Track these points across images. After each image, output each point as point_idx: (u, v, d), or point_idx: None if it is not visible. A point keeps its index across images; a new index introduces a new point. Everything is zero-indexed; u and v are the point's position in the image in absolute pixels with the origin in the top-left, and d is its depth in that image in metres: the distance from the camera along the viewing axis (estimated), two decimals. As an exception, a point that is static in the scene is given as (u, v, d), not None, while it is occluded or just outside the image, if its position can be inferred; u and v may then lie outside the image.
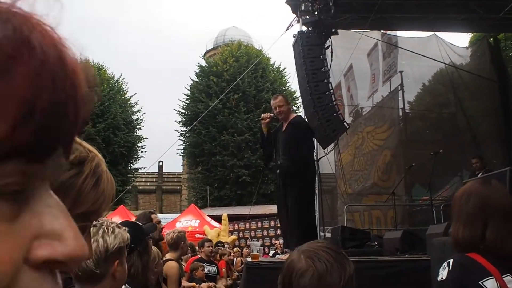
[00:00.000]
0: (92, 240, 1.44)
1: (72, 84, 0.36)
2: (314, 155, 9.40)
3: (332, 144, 9.40)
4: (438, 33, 11.24)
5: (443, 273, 1.81)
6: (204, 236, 13.41)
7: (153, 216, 4.31)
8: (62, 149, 0.36)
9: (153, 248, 3.03)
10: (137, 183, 33.54)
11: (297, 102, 21.52)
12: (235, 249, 12.90)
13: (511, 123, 10.56)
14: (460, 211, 1.89)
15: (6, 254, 0.32)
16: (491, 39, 11.80)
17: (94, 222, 0.85)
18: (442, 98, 12.45)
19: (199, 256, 7.39)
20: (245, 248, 13.94)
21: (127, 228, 1.69)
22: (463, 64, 11.86)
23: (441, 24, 9.96)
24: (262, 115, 6.12)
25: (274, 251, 14.14)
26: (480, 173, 8.33)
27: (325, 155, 9.98)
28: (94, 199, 0.80)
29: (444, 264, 1.83)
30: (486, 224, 1.80)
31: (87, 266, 1.42)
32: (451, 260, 1.81)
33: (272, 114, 5.99)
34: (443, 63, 11.17)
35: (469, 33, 16.47)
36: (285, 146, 5.82)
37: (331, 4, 8.20)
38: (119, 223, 2.50)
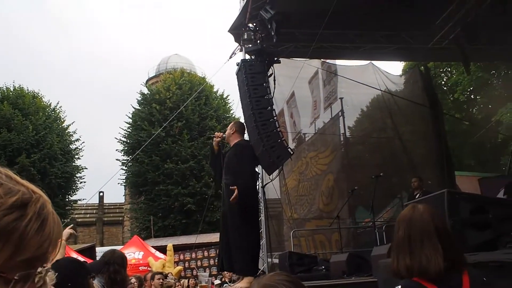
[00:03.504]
0: None
1: None
2: (259, 181, 9.50)
3: (277, 170, 9.51)
4: (374, 62, 11.81)
5: None
6: (149, 269, 13.00)
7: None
8: None
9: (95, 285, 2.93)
10: (76, 216, 32.23)
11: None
12: (182, 281, 12.58)
13: (443, 146, 11.16)
14: (394, 241, 1.98)
15: None
16: (422, 68, 12.52)
17: (40, 269, 0.79)
18: (379, 123, 12.95)
19: (147, 290, 7.13)
20: (191, 279, 13.63)
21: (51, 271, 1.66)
22: (398, 91, 12.48)
23: (376, 53, 10.49)
24: (215, 133, 6.49)
25: (221, 281, 13.92)
26: (418, 194, 8.72)
27: (271, 181, 10.05)
28: (39, 243, 0.75)
29: None
30: (414, 249, 1.87)
31: None
32: (399, 287, 1.85)
33: (223, 134, 6.30)
34: (380, 90, 11.71)
35: (402, 62, 17.47)
36: (227, 166, 5.95)
37: (273, 33, 8.41)
38: (57, 260, 2.40)
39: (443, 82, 20.51)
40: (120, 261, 3.88)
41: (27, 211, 0.75)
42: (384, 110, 12.38)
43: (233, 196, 5.58)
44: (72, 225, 4.72)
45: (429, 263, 1.83)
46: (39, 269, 0.78)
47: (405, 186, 10.55)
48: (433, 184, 10.71)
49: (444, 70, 20.23)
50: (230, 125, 6.64)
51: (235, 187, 5.62)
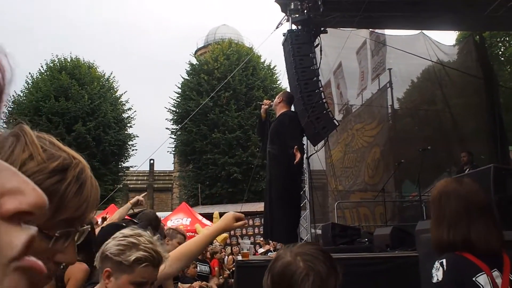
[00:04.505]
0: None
1: None
2: (304, 152, 9.53)
3: (322, 141, 9.46)
4: (425, 31, 11.35)
5: (438, 274, 1.82)
6: (196, 235, 13.44)
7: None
8: None
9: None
10: (128, 182, 33.33)
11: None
12: (226, 248, 12.94)
13: (497, 120, 10.70)
14: (443, 212, 1.93)
15: None
16: (477, 37, 11.92)
17: (78, 229, 0.84)
18: (429, 95, 12.54)
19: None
20: (234, 247, 13.96)
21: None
22: (450, 62, 11.98)
23: (428, 23, 10.04)
24: (264, 100, 6.59)
25: (264, 249, 14.19)
26: (468, 169, 8.47)
27: (316, 152, 10.05)
28: (77, 205, 0.81)
29: (436, 264, 1.84)
30: (470, 223, 1.84)
31: None
32: (444, 260, 1.82)
33: (271, 102, 6.38)
34: (431, 60, 11.28)
35: (455, 31, 16.66)
36: (271, 135, 6.00)
37: (320, 3, 8.25)
38: (102, 227, 2.52)
39: (500, 53, 19.46)
40: (146, 223, 4.03)
41: (67, 175, 0.80)
42: (434, 81, 11.94)
43: (296, 160, 5.63)
44: (145, 192, 5.01)
45: (488, 238, 1.81)
46: (78, 229, 0.83)
47: (454, 161, 10.25)
48: (485, 159, 10.36)
49: (502, 39, 19.16)
50: (279, 94, 6.68)
51: (296, 146, 5.67)
